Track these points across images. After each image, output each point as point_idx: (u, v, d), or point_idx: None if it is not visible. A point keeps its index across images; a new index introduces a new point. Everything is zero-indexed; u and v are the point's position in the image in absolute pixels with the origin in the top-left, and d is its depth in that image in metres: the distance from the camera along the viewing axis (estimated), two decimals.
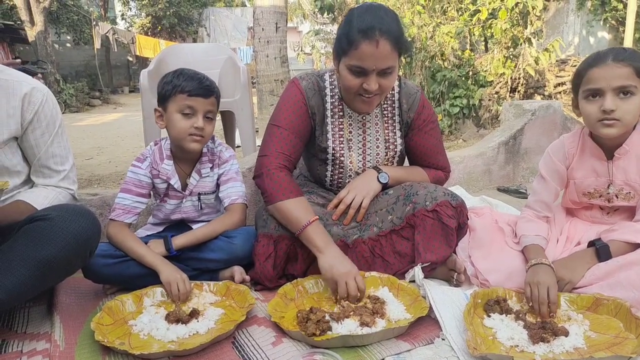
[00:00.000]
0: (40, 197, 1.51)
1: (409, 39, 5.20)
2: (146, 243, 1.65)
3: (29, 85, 1.47)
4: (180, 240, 1.65)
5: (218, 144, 1.80)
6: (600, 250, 1.48)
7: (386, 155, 1.80)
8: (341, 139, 1.76)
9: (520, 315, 1.35)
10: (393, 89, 1.78)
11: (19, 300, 1.32)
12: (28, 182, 1.57)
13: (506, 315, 1.37)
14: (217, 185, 1.79)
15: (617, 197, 1.59)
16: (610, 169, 1.56)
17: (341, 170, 1.80)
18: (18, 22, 14.01)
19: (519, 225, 1.65)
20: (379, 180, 1.74)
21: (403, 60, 5.19)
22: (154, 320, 1.41)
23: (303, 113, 1.70)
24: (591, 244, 1.53)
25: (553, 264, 1.49)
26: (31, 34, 12.94)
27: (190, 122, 1.62)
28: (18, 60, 6.67)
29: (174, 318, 1.40)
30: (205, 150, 1.75)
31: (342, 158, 1.77)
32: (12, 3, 13.75)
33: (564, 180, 1.65)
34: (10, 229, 1.36)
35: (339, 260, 1.49)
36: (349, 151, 1.77)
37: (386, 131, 1.79)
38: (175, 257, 1.64)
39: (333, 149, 1.75)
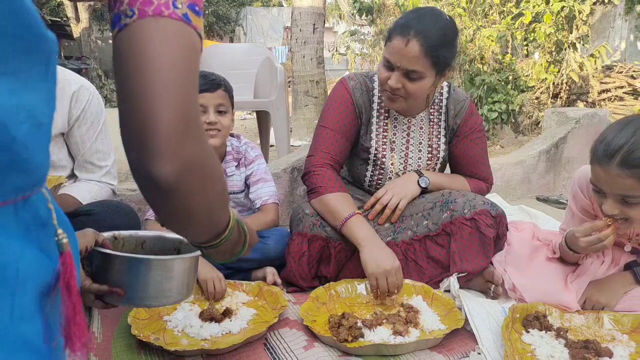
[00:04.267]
0: (84, 192, 1.56)
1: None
2: None
3: (77, 83, 1.52)
4: None
5: (244, 143, 1.81)
6: (638, 273, 1.43)
7: (428, 160, 1.77)
8: (384, 140, 1.75)
9: (562, 332, 1.30)
10: (441, 94, 1.76)
11: None
12: (72, 176, 1.62)
13: (546, 332, 1.32)
14: (247, 185, 1.80)
15: (630, 240, 1.50)
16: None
17: (381, 171, 1.78)
18: (64, 19, 14.56)
19: (554, 243, 1.57)
20: (419, 184, 1.71)
21: None
22: (188, 317, 1.43)
23: (350, 113, 1.71)
24: (628, 266, 1.48)
25: (589, 285, 1.45)
26: (76, 30, 13.41)
27: (202, 119, 1.63)
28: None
29: (208, 316, 1.41)
30: (229, 149, 1.76)
31: (383, 159, 1.76)
32: (59, 0, 14.30)
33: (591, 212, 1.54)
34: None
35: (382, 255, 1.48)
36: (391, 152, 1.76)
37: (430, 136, 1.77)
38: None
39: (375, 149, 1.75)
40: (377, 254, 1.48)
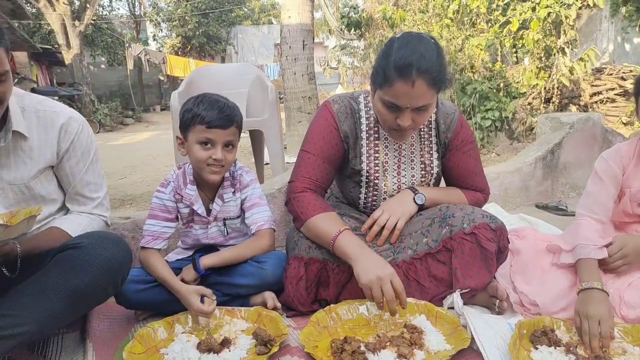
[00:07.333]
0: (75, 224, 1.52)
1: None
2: (177, 268, 1.64)
3: (66, 115, 1.49)
4: (208, 260, 1.62)
5: (238, 168, 1.77)
6: None
7: (422, 177, 1.74)
8: (376, 161, 1.71)
9: (571, 348, 1.26)
10: None
11: (52, 330, 1.32)
12: (63, 209, 1.58)
13: (555, 348, 1.28)
14: (242, 210, 1.77)
15: None
16: None
17: (375, 192, 1.75)
18: (55, 46, 14.62)
19: (574, 231, 1.51)
20: (415, 202, 1.68)
21: None
22: (185, 349, 1.38)
23: (334, 138, 1.67)
24: None
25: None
26: (68, 56, 13.46)
27: (208, 153, 1.58)
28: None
29: (206, 347, 1.37)
30: (226, 174, 1.72)
31: (376, 181, 1.72)
32: (50, 28, 14.37)
33: (619, 185, 1.55)
34: (45, 255, 1.36)
35: (373, 264, 1.42)
36: (384, 174, 1.72)
37: (422, 152, 1.73)
38: (204, 281, 1.62)
39: (367, 171, 1.71)
40: (368, 264, 1.42)
